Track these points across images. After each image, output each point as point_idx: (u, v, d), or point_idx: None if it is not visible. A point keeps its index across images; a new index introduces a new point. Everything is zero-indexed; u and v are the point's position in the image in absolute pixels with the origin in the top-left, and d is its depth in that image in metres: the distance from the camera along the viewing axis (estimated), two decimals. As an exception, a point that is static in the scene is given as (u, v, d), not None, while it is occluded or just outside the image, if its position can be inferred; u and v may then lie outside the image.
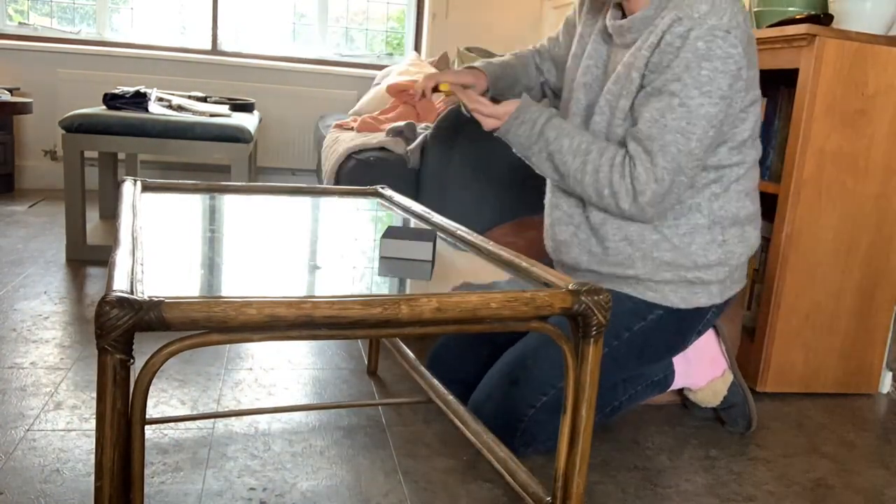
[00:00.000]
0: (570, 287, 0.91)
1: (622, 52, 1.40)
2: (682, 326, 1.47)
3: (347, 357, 1.91)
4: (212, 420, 1.51)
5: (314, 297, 0.79)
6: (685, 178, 1.31)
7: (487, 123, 1.44)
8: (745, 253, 1.46)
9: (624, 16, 1.42)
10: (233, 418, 1.53)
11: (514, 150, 1.47)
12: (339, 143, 2.65)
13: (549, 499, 1.05)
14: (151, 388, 1.60)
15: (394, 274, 1.04)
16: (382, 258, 1.11)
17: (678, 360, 1.59)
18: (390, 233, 1.14)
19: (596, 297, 0.90)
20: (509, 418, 1.40)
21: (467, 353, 1.62)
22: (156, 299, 0.73)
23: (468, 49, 3.67)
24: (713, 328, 1.61)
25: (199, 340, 0.76)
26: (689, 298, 1.43)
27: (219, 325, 0.74)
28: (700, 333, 1.52)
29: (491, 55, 3.71)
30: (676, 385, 1.62)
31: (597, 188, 1.35)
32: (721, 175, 1.39)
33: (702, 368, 1.61)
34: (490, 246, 1.15)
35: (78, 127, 2.62)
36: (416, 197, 2.22)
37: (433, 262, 1.11)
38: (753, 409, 1.62)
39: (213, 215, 1.35)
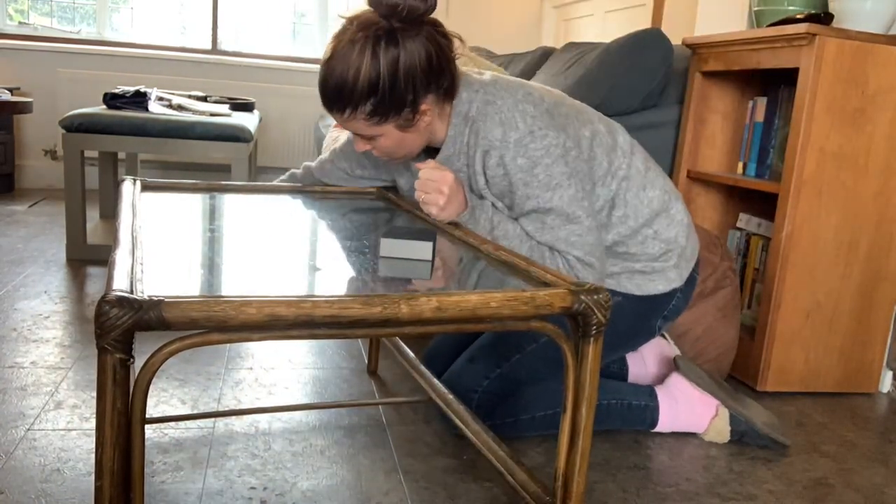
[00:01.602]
0: (570, 286, 0.91)
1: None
2: (643, 311, 1.48)
3: (347, 356, 1.91)
4: (212, 419, 1.51)
5: (314, 296, 0.78)
6: (601, 243, 1.34)
7: (437, 213, 1.35)
8: (682, 231, 1.47)
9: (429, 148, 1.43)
10: (233, 417, 1.53)
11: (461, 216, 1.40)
12: (339, 142, 2.64)
13: (548, 498, 1.05)
14: (152, 387, 1.60)
15: (394, 273, 1.03)
16: (382, 258, 1.11)
17: (663, 398, 1.58)
18: (391, 233, 1.13)
19: (596, 297, 0.89)
20: (465, 388, 1.47)
21: (462, 350, 1.63)
22: (156, 299, 0.72)
23: (468, 48, 3.66)
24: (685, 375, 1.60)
25: (198, 340, 0.76)
26: (644, 286, 1.46)
27: (219, 324, 0.74)
28: (668, 318, 1.51)
29: (491, 55, 3.71)
30: (675, 427, 1.60)
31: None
32: (615, 198, 1.41)
33: (692, 409, 1.59)
34: (489, 246, 1.15)
35: (78, 126, 2.62)
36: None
37: (433, 261, 1.11)
38: (770, 430, 1.57)
39: (213, 215, 1.33)
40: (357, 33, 1.24)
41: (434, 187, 1.30)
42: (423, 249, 1.10)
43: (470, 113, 1.34)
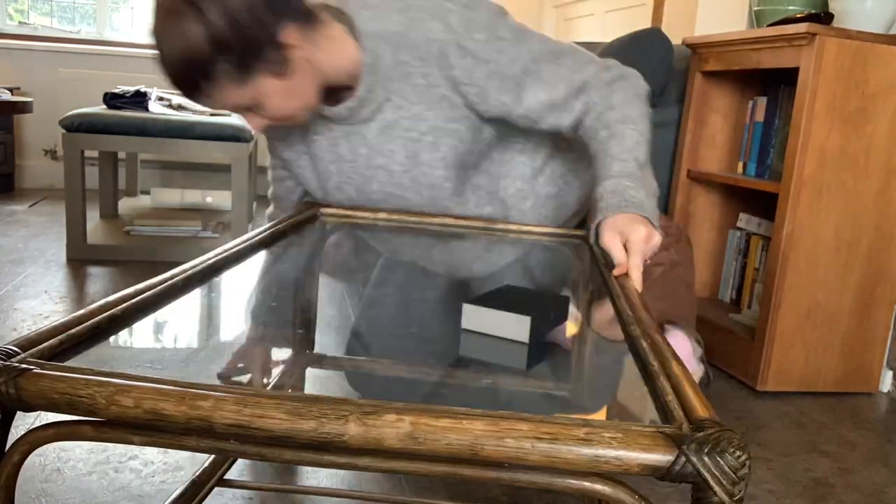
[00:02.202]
0: (668, 429, 0.50)
1: (365, 126, 1.25)
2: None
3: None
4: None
5: (217, 389, 0.52)
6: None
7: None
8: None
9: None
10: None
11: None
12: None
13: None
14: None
15: (475, 354, 0.82)
16: (465, 331, 0.86)
17: None
18: (482, 298, 0.87)
19: (720, 458, 0.48)
20: None
21: None
22: (20, 366, 0.54)
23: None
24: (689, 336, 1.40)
25: (63, 431, 0.57)
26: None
27: (86, 412, 0.53)
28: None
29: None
30: None
31: (627, 98, 1.19)
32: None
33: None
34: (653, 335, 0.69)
35: (78, 126, 2.62)
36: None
37: (531, 345, 0.82)
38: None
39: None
40: (167, 3, 1.08)
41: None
42: (516, 326, 0.83)
43: (385, 29, 1.16)
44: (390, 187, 1.28)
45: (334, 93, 1.21)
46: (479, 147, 1.27)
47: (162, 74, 1.10)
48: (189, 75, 1.07)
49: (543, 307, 0.85)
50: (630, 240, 0.95)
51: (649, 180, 1.10)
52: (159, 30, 1.08)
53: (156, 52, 1.10)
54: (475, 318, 0.83)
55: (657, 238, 0.99)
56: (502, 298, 0.87)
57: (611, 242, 0.96)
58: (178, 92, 1.10)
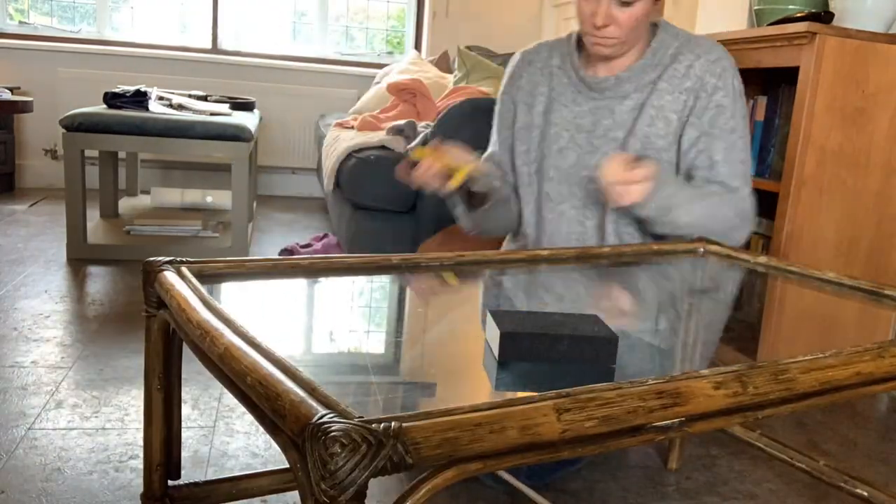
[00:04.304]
0: None
1: (617, 102, 1.40)
2: None
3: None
4: (213, 418, 1.51)
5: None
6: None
7: (632, 194, 1.25)
8: None
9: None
10: (234, 416, 1.53)
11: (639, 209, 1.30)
12: (340, 141, 2.65)
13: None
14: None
15: (510, 387, 0.77)
16: (500, 364, 0.77)
17: None
18: (514, 313, 0.81)
19: None
20: None
21: None
22: (393, 426, 0.49)
23: (468, 48, 3.67)
24: None
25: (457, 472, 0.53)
26: None
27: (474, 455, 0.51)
28: None
29: (492, 54, 3.71)
30: None
31: (712, 230, 1.35)
32: None
33: None
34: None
35: (78, 126, 2.62)
36: (415, 196, 2.22)
37: (501, 360, 0.78)
38: None
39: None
40: None
41: (632, 179, 1.24)
42: (492, 340, 0.82)
43: (679, 33, 1.39)
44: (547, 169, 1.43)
45: (598, 67, 1.41)
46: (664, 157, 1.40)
47: None
48: None
49: (560, 324, 0.81)
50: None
51: (686, 199, 1.31)
52: None
53: None
54: (490, 327, 0.81)
55: (636, 190, 1.24)
56: (518, 314, 0.83)
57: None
58: None
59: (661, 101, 1.37)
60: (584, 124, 1.42)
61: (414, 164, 1.33)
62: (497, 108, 1.56)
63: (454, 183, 1.30)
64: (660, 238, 1.36)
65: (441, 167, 1.30)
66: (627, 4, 1.30)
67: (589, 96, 1.42)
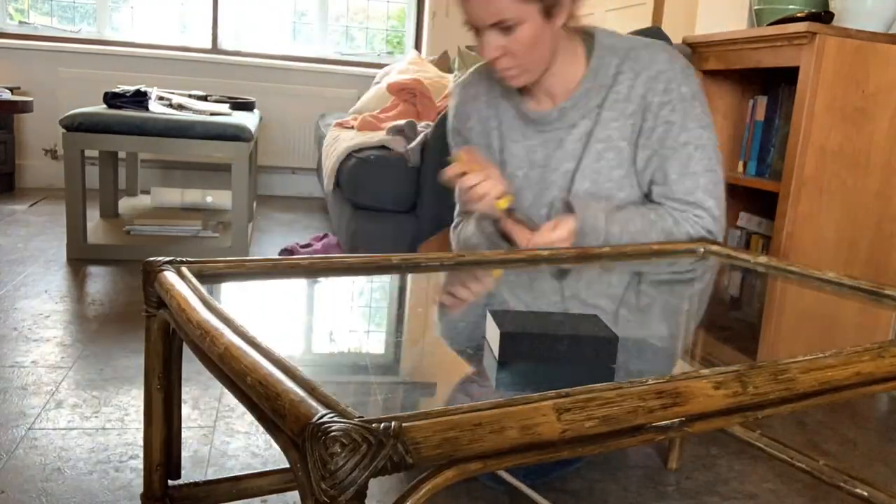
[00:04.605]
0: None
1: (565, 132, 1.33)
2: None
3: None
4: (213, 418, 1.51)
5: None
6: (723, 196, 1.34)
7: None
8: None
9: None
10: (234, 416, 1.53)
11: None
12: (340, 141, 2.65)
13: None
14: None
15: (514, 387, 0.77)
16: (501, 364, 0.77)
17: None
18: (503, 311, 0.82)
19: None
20: None
21: None
22: (392, 425, 0.49)
23: (469, 48, 3.67)
24: None
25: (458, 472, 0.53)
26: None
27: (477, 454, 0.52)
28: None
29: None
30: None
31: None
32: None
33: None
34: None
35: (78, 126, 2.62)
36: (415, 196, 2.22)
37: (501, 361, 0.77)
38: None
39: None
40: None
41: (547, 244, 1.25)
42: (493, 340, 0.80)
43: (618, 45, 1.30)
44: (564, 192, 1.35)
45: (539, 97, 1.34)
46: (615, 190, 1.34)
47: None
48: None
49: (560, 324, 0.80)
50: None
51: (623, 223, 1.28)
52: None
53: None
54: (490, 326, 0.81)
55: (560, 236, 1.25)
56: (518, 314, 0.82)
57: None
58: None
59: (608, 130, 1.30)
60: (537, 159, 1.36)
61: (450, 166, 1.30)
62: (453, 148, 1.47)
63: (501, 205, 1.27)
64: None
65: (492, 192, 1.26)
66: (508, 29, 1.19)
67: (536, 129, 1.36)
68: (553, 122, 1.33)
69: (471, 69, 1.47)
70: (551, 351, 0.77)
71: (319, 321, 0.92)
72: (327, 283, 0.99)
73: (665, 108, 1.28)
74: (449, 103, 1.48)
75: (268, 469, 1.32)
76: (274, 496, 1.24)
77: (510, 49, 1.21)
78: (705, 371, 0.63)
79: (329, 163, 2.55)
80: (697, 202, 1.30)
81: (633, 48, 1.30)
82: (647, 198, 1.35)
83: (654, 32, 2.21)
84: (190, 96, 3.44)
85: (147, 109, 2.85)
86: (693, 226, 1.30)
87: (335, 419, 0.48)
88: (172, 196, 3.53)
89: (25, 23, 4.20)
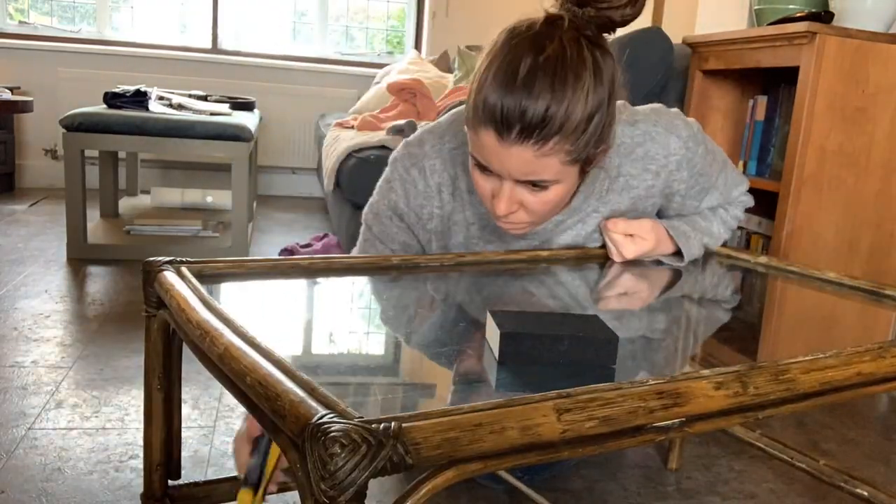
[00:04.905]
0: None
1: (557, 235, 1.19)
2: None
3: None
4: (213, 418, 1.51)
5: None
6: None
7: (628, 247, 1.15)
8: None
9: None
10: (234, 416, 1.53)
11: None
12: (340, 141, 2.65)
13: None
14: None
15: (510, 387, 0.75)
16: (501, 364, 0.76)
17: None
18: (502, 312, 0.80)
19: None
20: None
21: None
22: (392, 426, 0.48)
23: (468, 48, 3.67)
24: None
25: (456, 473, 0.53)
26: None
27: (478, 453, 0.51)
28: None
29: (491, 53, 3.70)
30: None
31: (734, 227, 1.35)
32: None
33: None
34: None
35: (78, 126, 2.62)
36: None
37: (501, 361, 0.76)
38: None
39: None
40: (565, 42, 0.94)
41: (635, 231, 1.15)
42: (493, 339, 0.78)
43: (621, 141, 1.13)
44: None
45: None
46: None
47: (507, 97, 0.92)
48: (542, 123, 0.92)
49: (557, 325, 0.78)
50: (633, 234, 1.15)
51: (699, 230, 1.23)
52: (548, 74, 0.92)
53: (522, 71, 0.92)
54: (490, 326, 0.80)
55: (646, 247, 1.16)
56: (518, 314, 0.80)
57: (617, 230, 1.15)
58: (499, 121, 0.93)
59: (629, 206, 1.19)
60: (492, 245, 1.19)
61: None
62: (392, 224, 1.21)
63: None
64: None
65: None
66: (537, 187, 0.99)
67: (516, 243, 1.18)
68: (539, 235, 1.18)
69: (419, 137, 1.20)
70: (551, 351, 0.77)
71: (319, 321, 0.92)
72: (327, 284, 0.99)
73: (691, 181, 1.20)
74: (392, 173, 1.19)
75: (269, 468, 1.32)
76: (274, 496, 1.24)
77: (530, 206, 1.02)
78: (706, 371, 0.63)
79: (329, 163, 2.55)
80: (735, 198, 1.32)
81: (636, 145, 1.14)
82: None
83: (654, 32, 2.22)
84: (190, 96, 3.44)
85: (147, 109, 2.85)
86: (738, 207, 1.33)
87: (335, 419, 0.48)
88: (172, 196, 3.53)
89: (25, 23, 4.20)
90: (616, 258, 1.16)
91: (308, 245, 2.81)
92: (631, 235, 1.15)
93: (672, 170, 1.17)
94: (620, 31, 1.29)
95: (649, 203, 1.20)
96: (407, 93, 3.31)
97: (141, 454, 1.35)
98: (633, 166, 1.15)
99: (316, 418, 0.48)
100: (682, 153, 1.16)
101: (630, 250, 1.14)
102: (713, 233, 1.27)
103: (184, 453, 1.35)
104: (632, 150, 1.14)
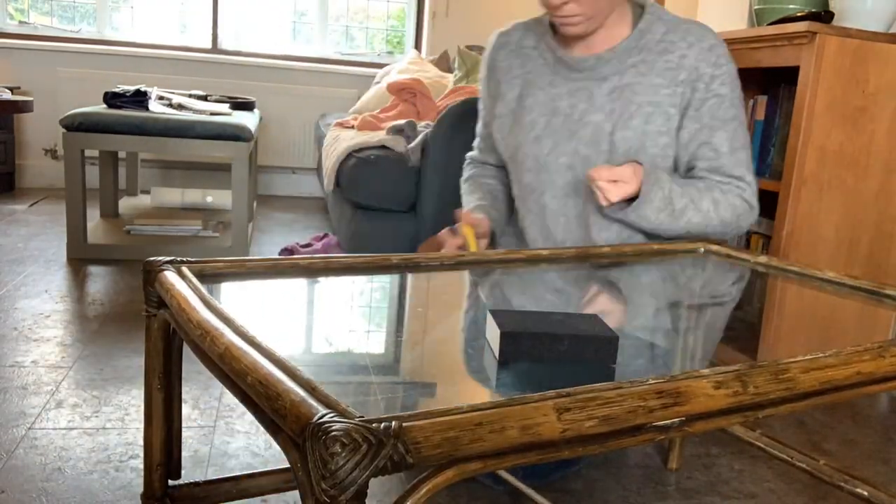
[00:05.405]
0: None
1: (596, 84, 1.34)
2: None
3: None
4: (213, 417, 1.51)
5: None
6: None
7: (612, 191, 1.25)
8: None
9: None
10: (234, 416, 1.53)
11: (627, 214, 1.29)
12: (340, 141, 2.65)
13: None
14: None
15: (510, 387, 0.75)
16: (501, 364, 0.77)
17: None
18: (514, 312, 0.81)
19: None
20: None
21: None
22: (393, 425, 0.48)
23: (468, 48, 3.67)
24: None
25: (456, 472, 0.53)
26: None
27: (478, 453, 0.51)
28: None
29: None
30: None
31: (723, 219, 1.35)
32: None
33: None
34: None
35: (78, 126, 2.62)
36: (415, 196, 2.22)
37: (501, 361, 0.76)
38: None
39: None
40: None
41: (619, 177, 1.25)
42: (493, 339, 0.79)
43: (667, 18, 1.33)
44: (587, 148, 1.34)
45: (578, 48, 1.36)
46: (658, 157, 1.34)
47: None
48: None
49: (560, 324, 0.79)
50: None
51: (679, 207, 1.29)
52: None
53: None
54: (490, 326, 0.81)
55: (629, 189, 1.25)
56: (518, 314, 0.82)
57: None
58: None
59: (658, 96, 1.31)
60: (561, 107, 1.36)
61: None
62: (481, 97, 1.53)
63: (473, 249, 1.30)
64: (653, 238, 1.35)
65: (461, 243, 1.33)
66: None
67: (567, 76, 1.36)
68: (585, 69, 1.34)
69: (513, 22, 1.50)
70: (551, 351, 0.77)
71: (319, 321, 0.92)
72: (327, 283, 0.99)
73: (716, 80, 1.31)
74: (483, 54, 1.52)
75: (268, 469, 1.32)
76: (274, 496, 1.24)
77: None
78: (706, 371, 0.63)
79: (329, 163, 2.55)
80: (741, 176, 1.34)
81: (684, 22, 1.34)
82: (687, 175, 1.37)
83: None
84: (190, 96, 3.44)
85: (147, 109, 2.86)
86: (737, 196, 1.34)
87: (335, 419, 0.48)
88: (172, 196, 3.53)
89: (25, 23, 4.20)
90: (603, 202, 1.25)
91: (308, 245, 2.81)
92: (615, 182, 1.24)
93: (704, 48, 1.30)
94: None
95: (676, 88, 1.31)
96: (407, 93, 3.31)
97: (141, 454, 1.35)
98: (678, 36, 1.31)
99: (316, 418, 0.48)
100: (716, 42, 1.31)
101: (614, 194, 1.24)
102: (702, 208, 1.30)
103: (184, 453, 1.35)
104: (682, 24, 1.32)
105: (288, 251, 2.76)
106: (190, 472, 1.31)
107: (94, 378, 1.68)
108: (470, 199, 1.52)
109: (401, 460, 0.48)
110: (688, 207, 1.29)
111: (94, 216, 3.27)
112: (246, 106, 3.52)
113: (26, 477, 1.26)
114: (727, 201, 1.33)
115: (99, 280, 2.47)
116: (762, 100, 2.14)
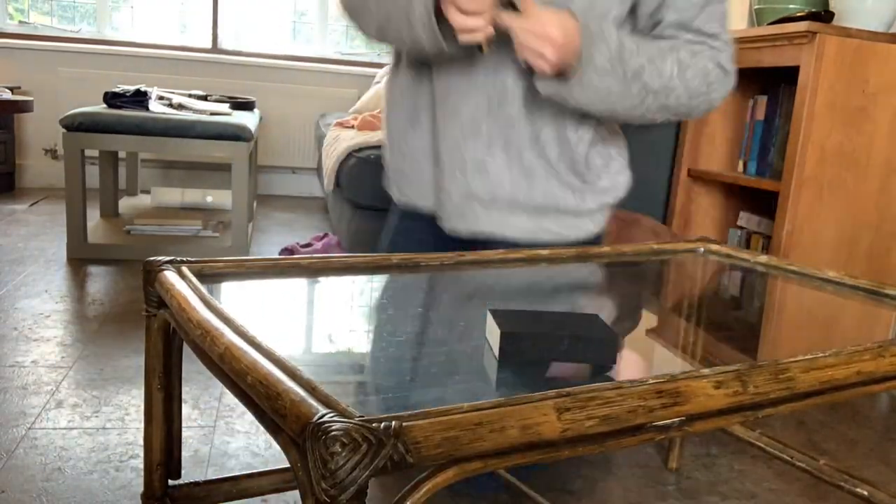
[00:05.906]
0: None
1: None
2: None
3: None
4: (213, 417, 1.51)
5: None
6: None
7: (541, 63, 1.03)
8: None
9: None
10: (234, 416, 1.53)
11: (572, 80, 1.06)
12: (340, 141, 2.65)
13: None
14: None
15: (510, 387, 0.75)
16: (501, 364, 0.77)
17: None
18: (512, 311, 0.81)
19: None
20: None
21: None
22: (393, 425, 0.49)
23: (468, 47, 3.67)
24: None
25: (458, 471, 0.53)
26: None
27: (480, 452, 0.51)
28: None
29: (491, 53, 3.70)
30: None
31: (690, 87, 1.14)
32: None
33: None
34: None
35: (78, 125, 2.62)
36: (416, 195, 2.22)
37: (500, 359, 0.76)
38: None
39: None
40: None
41: (540, 33, 1.00)
42: (493, 338, 0.79)
43: None
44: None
45: None
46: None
47: None
48: None
49: (560, 324, 0.78)
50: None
51: (624, 60, 1.06)
52: None
53: None
54: (490, 326, 0.80)
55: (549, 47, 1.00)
56: (518, 314, 0.81)
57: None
58: None
59: None
60: None
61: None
62: None
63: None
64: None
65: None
66: None
67: None
68: None
69: None
70: (551, 351, 0.77)
71: (319, 321, 0.92)
72: (327, 283, 0.99)
73: None
74: None
75: (268, 469, 1.32)
76: (274, 496, 1.24)
77: None
78: (706, 370, 0.63)
79: (329, 162, 2.55)
80: (716, 34, 1.15)
81: None
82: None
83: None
84: (190, 96, 3.44)
85: (147, 109, 2.86)
86: (710, 59, 1.14)
87: (335, 419, 0.48)
88: (172, 196, 3.53)
89: (25, 22, 4.20)
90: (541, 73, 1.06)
91: (308, 245, 2.81)
92: (541, 56, 1.02)
93: None
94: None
95: None
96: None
97: (141, 454, 1.35)
98: None
99: (316, 417, 0.48)
100: None
101: (544, 69, 1.03)
102: (664, 71, 1.09)
103: (184, 453, 1.36)
104: None
105: (288, 251, 2.76)
106: (190, 472, 1.31)
107: (94, 378, 1.68)
108: None
109: (401, 460, 0.48)
110: (644, 69, 1.07)
111: (94, 216, 3.27)
112: (246, 106, 3.52)
113: (26, 477, 1.26)
114: (697, 65, 1.12)
115: (99, 280, 2.47)
116: (762, 100, 2.14)
